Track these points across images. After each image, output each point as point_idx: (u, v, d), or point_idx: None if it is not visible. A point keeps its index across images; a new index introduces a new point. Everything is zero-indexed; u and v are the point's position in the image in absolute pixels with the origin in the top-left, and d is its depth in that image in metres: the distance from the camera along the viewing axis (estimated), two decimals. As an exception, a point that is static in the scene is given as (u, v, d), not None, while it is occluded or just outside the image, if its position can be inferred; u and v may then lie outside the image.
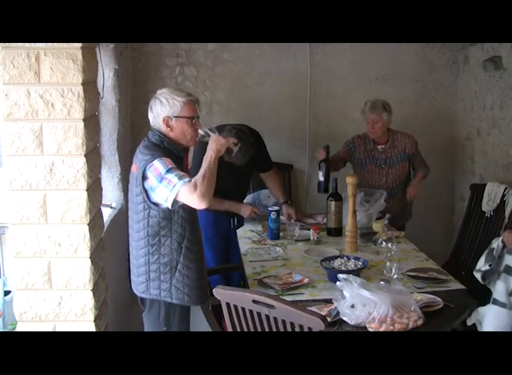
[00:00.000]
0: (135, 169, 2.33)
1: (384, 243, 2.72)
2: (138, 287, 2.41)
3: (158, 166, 2.23)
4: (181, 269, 2.34)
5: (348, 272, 2.51)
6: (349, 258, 2.71)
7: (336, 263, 2.68)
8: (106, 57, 3.41)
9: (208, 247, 3.44)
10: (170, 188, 2.20)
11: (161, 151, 2.29)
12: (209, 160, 2.30)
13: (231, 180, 3.31)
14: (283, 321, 1.95)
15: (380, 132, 3.60)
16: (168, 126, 2.34)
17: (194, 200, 2.21)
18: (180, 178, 2.20)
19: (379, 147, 3.67)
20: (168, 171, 2.21)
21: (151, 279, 2.35)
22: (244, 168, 3.33)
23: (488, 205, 3.60)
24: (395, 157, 3.65)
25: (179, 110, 2.34)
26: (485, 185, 3.69)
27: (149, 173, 2.24)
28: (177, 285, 2.35)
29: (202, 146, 2.49)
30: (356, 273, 2.53)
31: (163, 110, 2.33)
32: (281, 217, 3.34)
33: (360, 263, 2.66)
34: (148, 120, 2.40)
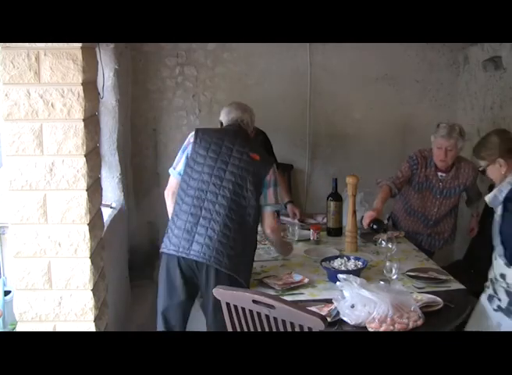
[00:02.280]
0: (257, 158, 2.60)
1: (384, 243, 2.72)
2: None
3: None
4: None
5: (348, 272, 2.51)
6: (349, 259, 2.71)
7: (336, 263, 2.68)
8: (106, 57, 3.41)
9: None
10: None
11: None
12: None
13: None
14: (283, 321, 1.95)
15: (451, 161, 3.23)
16: None
17: None
18: None
19: (439, 174, 3.28)
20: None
21: None
22: None
23: None
24: (453, 189, 3.30)
25: None
26: None
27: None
28: None
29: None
30: (356, 273, 2.53)
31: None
32: (281, 217, 3.34)
33: (360, 263, 2.66)
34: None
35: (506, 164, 2.46)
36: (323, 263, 2.68)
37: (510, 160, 2.47)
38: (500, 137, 2.54)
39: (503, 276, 2.43)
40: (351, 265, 2.66)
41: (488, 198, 2.52)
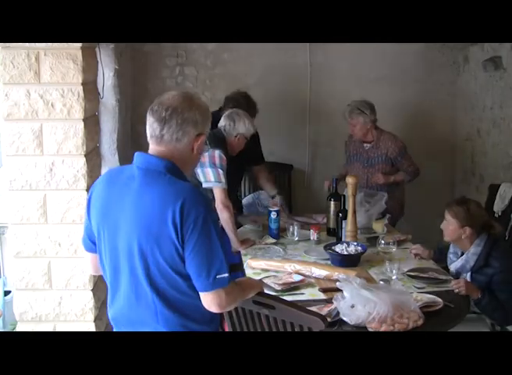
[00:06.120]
0: None
1: (384, 243, 2.73)
2: None
3: None
4: None
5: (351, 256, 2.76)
6: (349, 244, 2.86)
7: (338, 248, 2.84)
8: (106, 57, 3.40)
9: None
10: None
11: None
12: None
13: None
14: (283, 321, 1.94)
15: (360, 133, 3.67)
16: None
17: None
18: None
19: (365, 145, 3.72)
20: None
21: None
22: (238, 161, 3.36)
23: (497, 206, 3.55)
24: (376, 158, 3.67)
25: None
26: (499, 185, 3.63)
27: None
28: None
29: None
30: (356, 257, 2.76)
31: None
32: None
33: (359, 248, 2.82)
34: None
35: (471, 235, 2.62)
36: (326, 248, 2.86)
37: (474, 234, 2.63)
38: (480, 209, 2.72)
39: None
40: (352, 250, 2.81)
41: (454, 265, 2.72)
